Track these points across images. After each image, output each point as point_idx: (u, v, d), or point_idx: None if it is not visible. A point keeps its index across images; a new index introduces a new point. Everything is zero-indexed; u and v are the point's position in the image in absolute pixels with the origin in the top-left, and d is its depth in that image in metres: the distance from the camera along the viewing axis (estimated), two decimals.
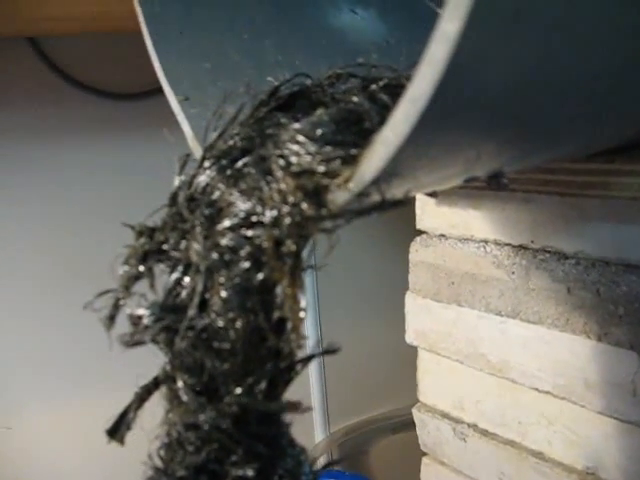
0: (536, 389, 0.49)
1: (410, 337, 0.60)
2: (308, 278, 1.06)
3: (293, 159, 0.26)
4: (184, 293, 0.29)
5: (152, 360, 0.31)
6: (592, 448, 0.46)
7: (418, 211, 0.57)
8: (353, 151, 0.25)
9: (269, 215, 0.26)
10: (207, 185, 0.30)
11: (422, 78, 0.20)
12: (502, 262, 0.50)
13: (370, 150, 0.23)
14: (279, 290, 0.26)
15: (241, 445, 0.27)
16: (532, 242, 0.48)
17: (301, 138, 0.26)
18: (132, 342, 0.29)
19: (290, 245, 0.26)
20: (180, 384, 0.28)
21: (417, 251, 0.57)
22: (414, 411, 0.61)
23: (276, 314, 0.27)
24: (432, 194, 0.54)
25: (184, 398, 0.28)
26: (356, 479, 1.00)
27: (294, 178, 0.26)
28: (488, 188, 0.49)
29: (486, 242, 0.52)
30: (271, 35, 0.46)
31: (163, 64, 0.41)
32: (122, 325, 0.30)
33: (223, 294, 0.27)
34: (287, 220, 0.25)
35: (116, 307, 0.30)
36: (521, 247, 0.49)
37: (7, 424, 0.92)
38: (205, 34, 0.44)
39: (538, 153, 0.36)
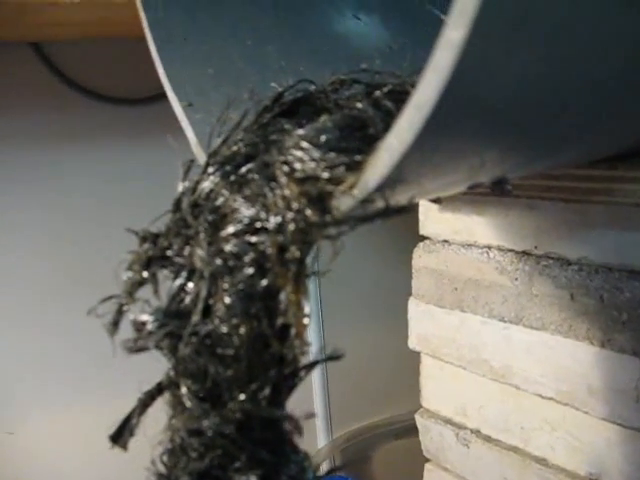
0: (539, 395, 0.49)
1: (413, 343, 0.60)
2: (311, 284, 1.06)
3: (297, 165, 0.26)
4: (188, 299, 0.29)
5: (152, 367, 0.31)
6: (595, 454, 0.46)
7: (421, 217, 0.57)
8: (357, 157, 0.25)
9: (273, 221, 0.26)
10: (211, 191, 0.30)
11: (427, 85, 0.20)
12: (505, 268, 0.50)
13: (374, 157, 0.23)
14: (283, 296, 0.26)
15: (245, 451, 0.27)
16: (535, 248, 0.48)
17: (305, 144, 0.26)
18: (136, 348, 0.29)
19: (294, 251, 0.26)
20: (184, 390, 0.28)
21: (420, 257, 0.57)
22: (417, 417, 0.61)
23: (280, 320, 0.27)
24: (436, 200, 0.54)
25: (188, 404, 0.28)
26: None
27: (298, 184, 0.26)
28: (492, 194, 0.49)
29: (489, 248, 0.51)
30: (274, 41, 0.46)
31: (167, 70, 0.41)
32: (125, 331, 0.30)
33: (227, 300, 0.27)
34: (291, 226, 0.25)
35: (120, 313, 0.30)
36: (524, 253, 0.49)
37: (9, 429, 0.92)
38: (209, 40, 0.44)
39: (541, 160, 0.36)
